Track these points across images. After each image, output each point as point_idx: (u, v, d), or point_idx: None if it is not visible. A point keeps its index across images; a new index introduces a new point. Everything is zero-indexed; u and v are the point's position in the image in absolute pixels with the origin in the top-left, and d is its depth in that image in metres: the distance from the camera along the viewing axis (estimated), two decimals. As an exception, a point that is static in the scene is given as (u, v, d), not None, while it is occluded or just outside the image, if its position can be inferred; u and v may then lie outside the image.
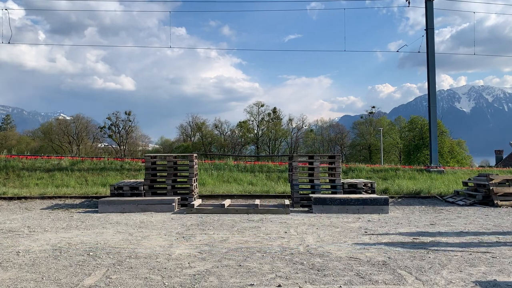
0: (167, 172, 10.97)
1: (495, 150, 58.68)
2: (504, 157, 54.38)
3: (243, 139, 68.42)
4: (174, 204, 9.87)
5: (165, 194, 10.80)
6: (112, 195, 10.75)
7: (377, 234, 6.91)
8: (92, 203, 11.08)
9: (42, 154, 21.93)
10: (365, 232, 7.11)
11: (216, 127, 70.03)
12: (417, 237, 6.61)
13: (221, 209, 9.51)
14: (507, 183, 11.18)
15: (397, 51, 25.15)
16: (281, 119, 70.99)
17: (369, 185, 11.45)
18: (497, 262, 5.02)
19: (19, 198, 11.86)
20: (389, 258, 5.22)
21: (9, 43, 22.34)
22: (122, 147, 67.64)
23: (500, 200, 10.85)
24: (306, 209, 10.18)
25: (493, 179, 11.10)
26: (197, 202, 10.15)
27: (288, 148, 67.40)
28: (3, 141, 61.79)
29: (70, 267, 4.80)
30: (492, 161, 59.23)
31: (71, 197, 12.01)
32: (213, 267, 4.79)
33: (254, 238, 6.52)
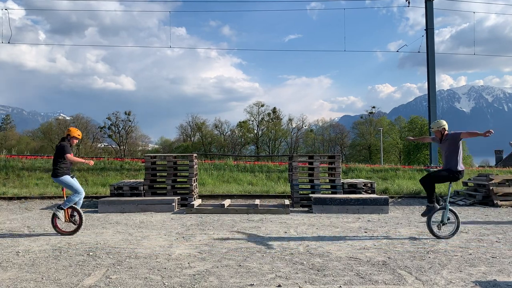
0: (167, 172, 10.97)
1: (495, 150, 58.62)
2: (504, 157, 54.36)
3: (243, 139, 68.42)
4: (174, 204, 9.87)
5: (165, 194, 10.79)
6: (112, 195, 10.74)
7: (377, 234, 6.91)
8: (92, 203, 11.08)
9: (42, 154, 21.93)
10: (365, 232, 7.11)
11: (216, 127, 70.08)
12: (417, 237, 6.61)
13: (221, 209, 9.51)
14: (507, 183, 11.18)
15: (397, 51, 25.22)
16: (281, 119, 71.05)
17: (369, 185, 11.45)
18: (497, 262, 5.02)
19: (19, 198, 11.86)
20: (389, 258, 5.22)
21: (9, 43, 22.40)
22: (122, 147, 67.63)
23: (500, 200, 10.86)
24: (306, 209, 10.18)
25: (493, 179, 11.11)
26: (197, 202, 10.15)
27: (288, 148, 67.40)
28: (3, 141, 61.76)
29: (70, 267, 4.80)
30: (492, 161, 59.16)
31: (71, 197, 12.00)
32: (213, 267, 4.78)
33: (254, 238, 6.52)
